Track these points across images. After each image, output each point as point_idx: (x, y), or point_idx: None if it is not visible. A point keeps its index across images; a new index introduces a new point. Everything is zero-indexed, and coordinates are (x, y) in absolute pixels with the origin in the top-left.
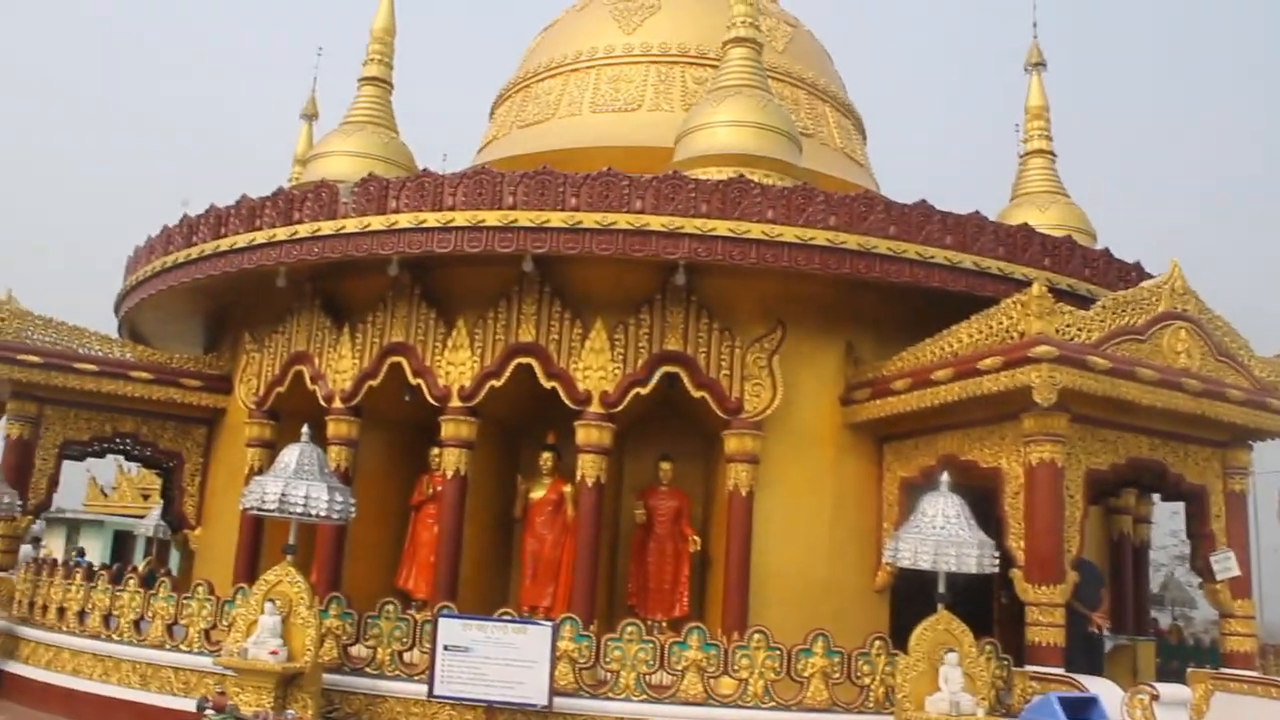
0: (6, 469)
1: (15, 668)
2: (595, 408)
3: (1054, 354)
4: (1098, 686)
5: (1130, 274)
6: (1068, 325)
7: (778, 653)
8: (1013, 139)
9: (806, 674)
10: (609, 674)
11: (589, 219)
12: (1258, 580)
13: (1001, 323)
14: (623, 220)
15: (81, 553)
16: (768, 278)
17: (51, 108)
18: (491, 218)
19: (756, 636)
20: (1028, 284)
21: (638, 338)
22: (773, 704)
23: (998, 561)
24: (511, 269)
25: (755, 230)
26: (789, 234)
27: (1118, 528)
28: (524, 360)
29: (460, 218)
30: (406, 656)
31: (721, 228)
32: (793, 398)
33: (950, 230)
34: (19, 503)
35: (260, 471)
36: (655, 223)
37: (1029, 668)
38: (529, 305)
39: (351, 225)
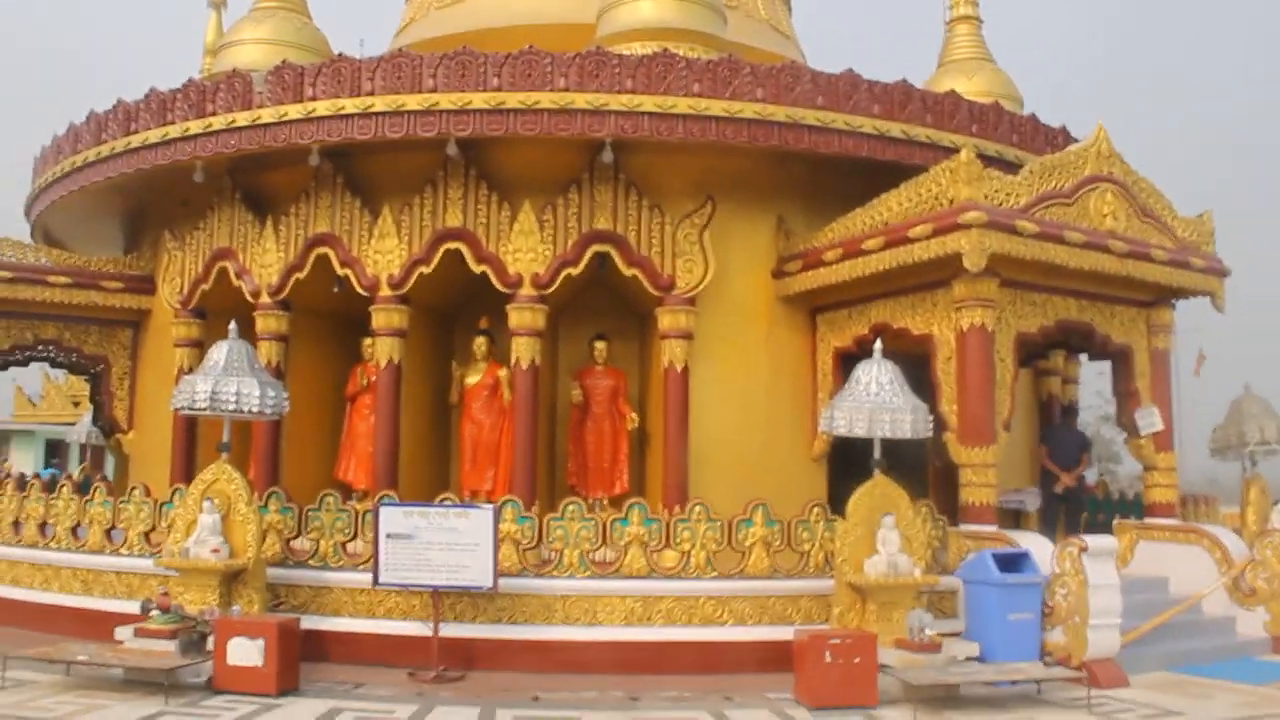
0: None
1: None
2: (527, 290)
3: (983, 219)
4: (1028, 541)
5: (1057, 139)
6: (996, 191)
7: (718, 524)
8: (938, 4)
9: (747, 544)
10: (552, 553)
11: (512, 99)
12: (1179, 435)
13: (931, 190)
14: (546, 99)
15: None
16: (696, 153)
17: None
18: (412, 102)
19: (697, 509)
20: (956, 151)
21: (567, 218)
22: (715, 574)
23: (932, 426)
24: (435, 153)
25: (681, 105)
26: (716, 107)
27: (1046, 389)
28: (452, 246)
29: (380, 103)
30: (349, 547)
31: (647, 103)
32: (725, 272)
33: (878, 99)
34: None
35: (190, 371)
36: (580, 100)
37: (963, 527)
38: (455, 190)
39: (268, 115)
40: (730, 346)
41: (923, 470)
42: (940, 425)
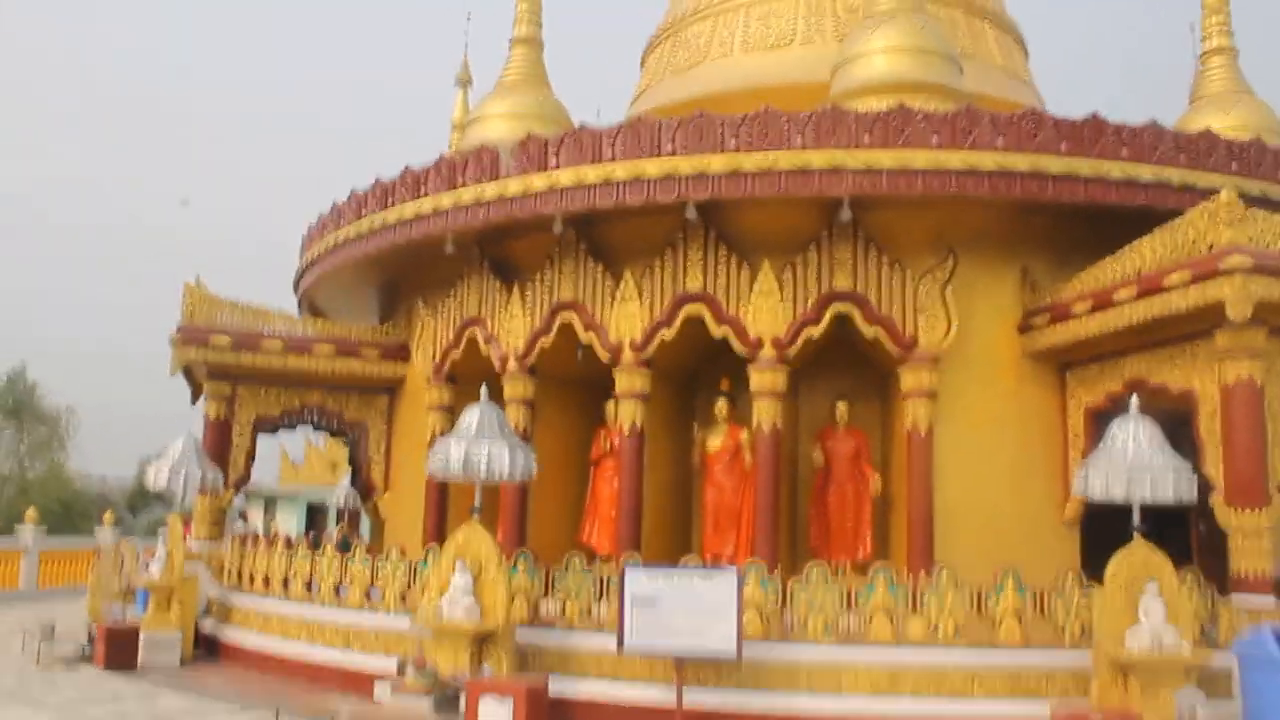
0: (208, 447)
1: (229, 633)
2: (767, 352)
3: (1248, 264)
4: None
5: None
6: (1262, 232)
7: (966, 592)
8: (1188, 41)
9: (998, 613)
10: (796, 620)
11: (749, 161)
12: None
13: (1188, 235)
14: (783, 159)
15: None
16: (936, 207)
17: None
18: (651, 167)
19: (944, 576)
20: (1214, 193)
21: (806, 278)
22: (964, 644)
23: (1195, 488)
24: (674, 217)
25: (919, 159)
26: (955, 160)
27: None
28: (693, 309)
29: (620, 170)
30: (594, 611)
31: (885, 159)
32: (968, 329)
33: (1125, 142)
34: (221, 478)
35: (442, 435)
36: (816, 159)
37: (1236, 598)
38: (694, 253)
39: (514, 187)
40: (975, 405)
41: (1185, 536)
42: (1205, 487)
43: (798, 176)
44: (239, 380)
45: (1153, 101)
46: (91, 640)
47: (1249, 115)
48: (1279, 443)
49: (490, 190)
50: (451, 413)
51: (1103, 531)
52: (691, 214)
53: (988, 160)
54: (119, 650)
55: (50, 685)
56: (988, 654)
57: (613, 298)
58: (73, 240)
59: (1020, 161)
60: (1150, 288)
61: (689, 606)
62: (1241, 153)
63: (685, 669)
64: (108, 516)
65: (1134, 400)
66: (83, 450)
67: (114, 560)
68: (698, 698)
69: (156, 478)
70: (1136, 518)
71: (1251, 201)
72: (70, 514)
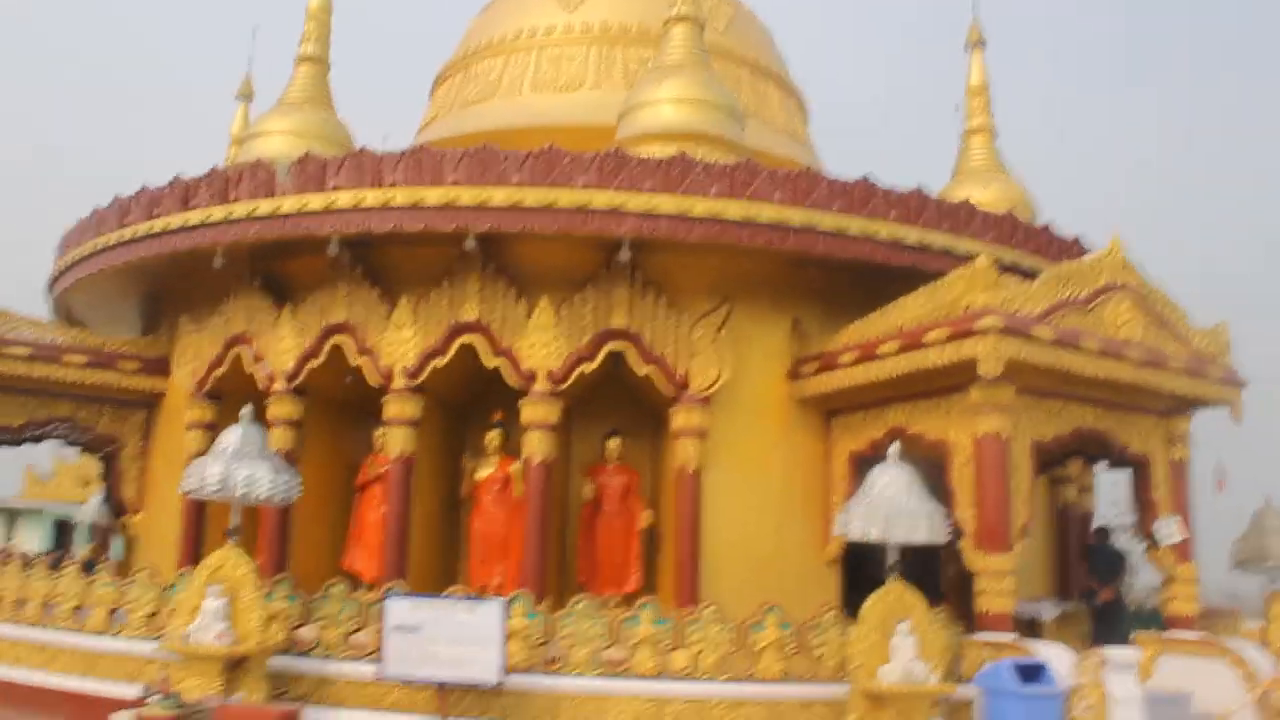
0: None
1: None
2: (541, 385)
3: (999, 325)
4: (1047, 651)
5: (1072, 248)
6: (1012, 297)
7: (730, 626)
8: (953, 116)
9: (759, 647)
10: (561, 651)
11: (531, 196)
12: (1199, 546)
13: (947, 296)
14: (565, 197)
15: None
16: (713, 254)
17: None
18: (432, 196)
19: (708, 610)
20: (971, 259)
21: (583, 314)
22: (726, 677)
23: (948, 531)
24: (454, 247)
25: (699, 206)
26: (733, 210)
27: (1062, 497)
28: (468, 339)
29: (400, 196)
30: (356, 638)
31: (665, 204)
32: (740, 373)
33: (894, 205)
34: None
35: (202, 454)
36: (598, 200)
37: (980, 635)
38: (472, 283)
39: (289, 204)
40: (744, 447)
41: (936, 577)
42: (956, 531)
43: (578, 215)
44: None
45: (919, 172)
46: None
47: (1004, 191)
48: (1020, 493)
49: (265, 206)
50: (214, 431)
51: (862, 571)
52: (471, 245)
53: (764, 212)
54: None
55: None
56: (749, 687)
57: (387, 323)
58: None
59: (795, 216)
60: (911, 343)
61: (453, 635)
62: (998, 224)
63: (448, 698)
64: None
65: (894, 447)
66: None
67: None
68: None
69: None
70: (892, 558)
71: (1004, 269)
72: None
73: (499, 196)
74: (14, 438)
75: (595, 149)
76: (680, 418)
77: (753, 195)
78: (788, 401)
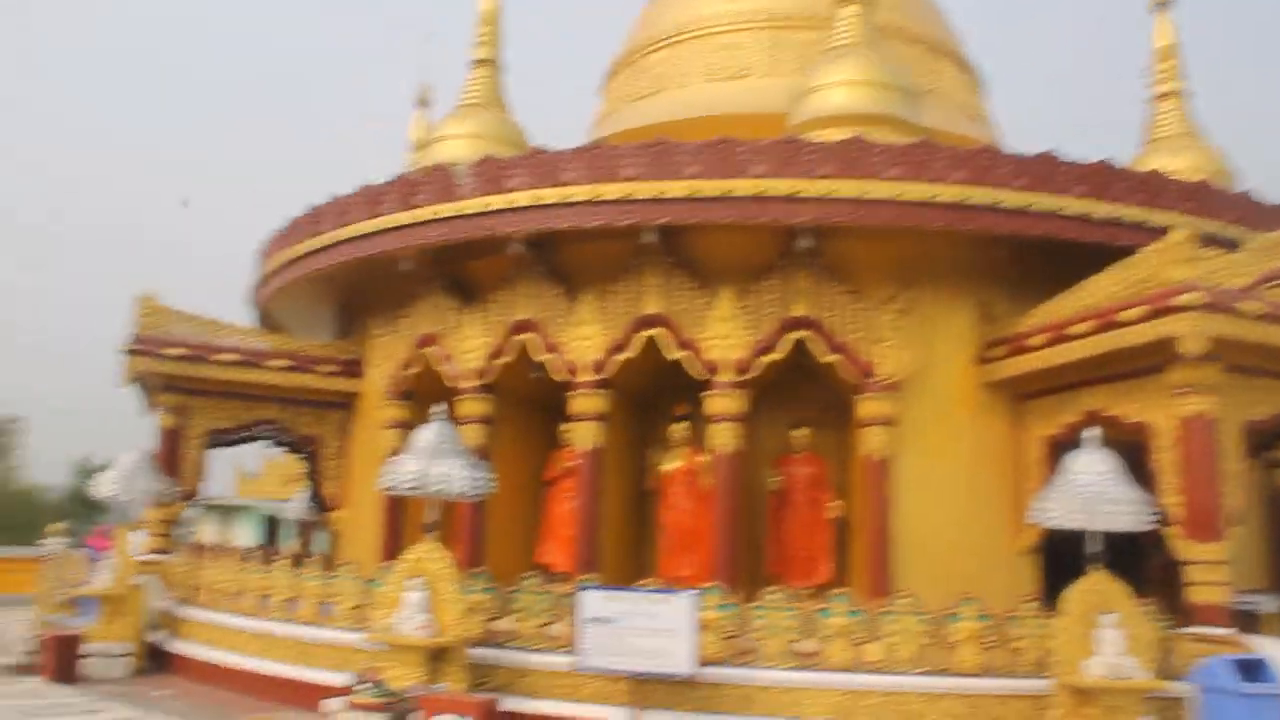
0: (161, 458)
1: (180, 646)
2: (725, 376)
3: (1201, 301)
4: (1267, 646)
5: (1278, 216)
6: (1214, 271)
7: (926, 618)
8: (1140, 82)
9: (956, 639)
10: (754, 643)
11: (707, 187)
12: None
13: (1142, 272)
14: (741, 187)
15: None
16: (894, 237)
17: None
18: (609, 191)
19: (902, 602)
20: (1166, 232)
21: (764, 304)
22: (923, 670)
23: (1153, 519)
24: (633, 241)
25: (878, 190)
26: (913, 192)
27: (1277, 481)
28: (651, 332)
29: (578, 193)
30: (550, 629)
31: (844, 189)
32: (926, 358)
33: (1080, 179)
34: (174, 489)
35: (397, 452)
36: (775, 187)
37: (1192, 629)
38: (653, 276)
39: (471, 206)
40: (932, 434)
41: (1140, 567)
42: (1161, 519)
43: (755, 204)
44: (192, 392)
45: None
46: (37, 651)
47: (1199, 158)
48: (1231, 476)
49: (447, 209)
50: (407, 429)
51: (1058, 560)
52: (649, 238)
53: (945, 192)
54: (65, 661)
55: None
56: (946, 680)
57: (570, 319)
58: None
59: (977, 195)
60: (1105, 322)
61: (646, 627)
62: (1193, 193)
63: (641, 690)
64: (54, 526)
65: (1092, 431)
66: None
67: (61, 570)
68: (656, 718)
69: (106, 488)
70: (1093, 547)
71: (1204, 241)
72: (11, 523)
73: (675, 189)
74: (225, 439)
75: (769, 137)
76: (866, 406)
77: (932, 176)
78: (976, 386)
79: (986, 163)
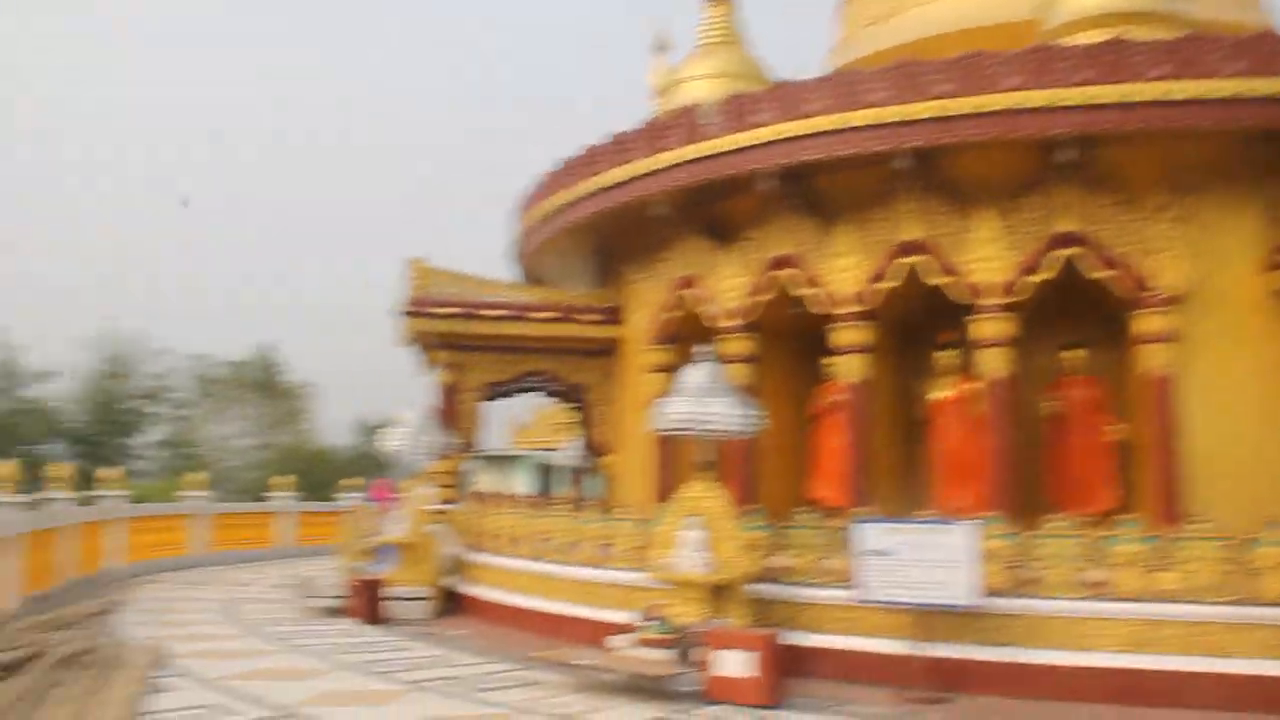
0: (441, 413)
1: (470, 589)
2: (991, 300)
3: None
4: None
5: None
6: None
7: (1225, 544)
8: None
9: (1259, 566)
10: (1037, 572)
11: (958, 105)
12: None
13: None
14: (995, 101)
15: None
16: (1166, 141)
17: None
18: (856, 118)
19: (1199, 527)
20: None
21: (1028, 222)
22: (1223, 599)
23: None
24: (885, 167)
25: (1144, 92)
26: (1183, 90)
27: None
28: (911, 259)
29: (825, 123)
30: (827, 564)
31: (1105, 94)
32: (1209, 268)
33: None
34: (455, 442)
35: (663, 395)
36: (1031, 99)
37: None
38: (909, 202)
39: (719, 145)
40: (1218, 348)
41: None
42: None
43: (1011, 118)
44: (465, 349)
45: None
46: (344, 595)
47: None
48: None
49: (695, 150)
50: (671, 373)
51: None
52: (902, 163)
53: (1220, 88)
54: (369, 604)
55: (312, 635)
56: (1248, 610)
57: (827, 251)
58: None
59: (1258, 86)
60: None
61: (925, 559)
62: None
63: (922, 622)
64: (350, 482)
65: None
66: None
67: (360, 521)
68: (936, 651)
69: (393, 443)
70: None
71: None
72: (311, 480)
73: (925, 109)
74: (499, 391)
75: (1020, 47)
76: (1144, 322)
77: (1203, 71)
78: (1265, 294)
79: (1268, 51)
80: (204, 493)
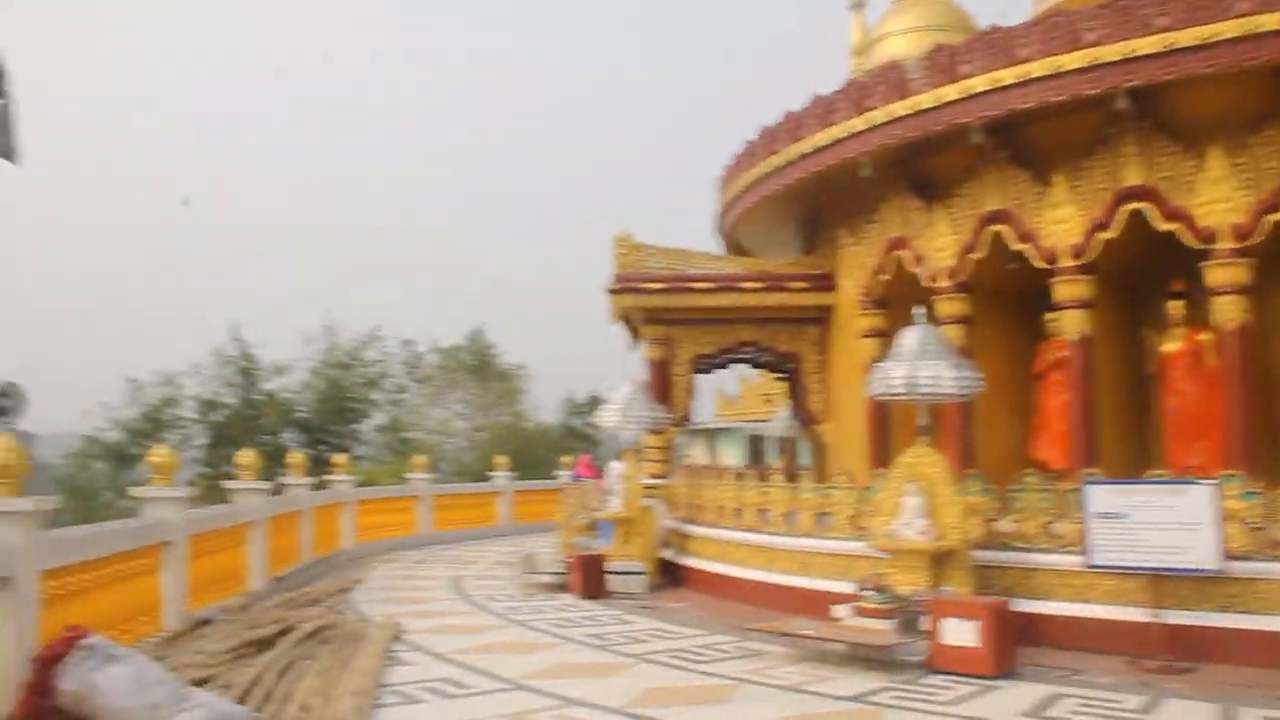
0: (651, 388)
1: (687, 560)
2: (1225, 244)
3: None
4: None
5: None
6: None
7: None
8: None
9: None
10: None
11: (1185, 37)
12: None
13: None
14: (1227, 29)
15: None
16: None
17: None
18: (1071, 60)
19: None
20: None
21: (1264, 158)
22: None
23: None
24: (1102, 111)
25: None
26: None
27: None
28: (1134, 206)
29: (1037, 68)
30: (1054, 528)
31: None
32: None
33: None
34: (667, 416)
35: (877, 360)
36: (1267, 23)
37: None
38: (1130, 146)
39: (925, 100)
40: None
41: None
42: None
43: (1245, 45)
44: (673, 323)
45: None
46: (565, 570)
47: None
48: None
49: (901, 107)
50: (884, 337)
51: None
52: (1122, 104)
53: None
54: (589, 579)
55: (536, 610)
56: None
57: (1043, 203)
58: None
59: None
60: None
61: (1159, 522)
62: None
63: (1159, 588)
64: (566, 460)
65: None
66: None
67: (578, 498)
68: (1177, 618)
69: (607, 419)
70: None
71: None
72: (526, 459)
73: (1147, 45)
74: (708, 364)
75: None
76: None
77: None
78: None
79: None
80: (427, 474)
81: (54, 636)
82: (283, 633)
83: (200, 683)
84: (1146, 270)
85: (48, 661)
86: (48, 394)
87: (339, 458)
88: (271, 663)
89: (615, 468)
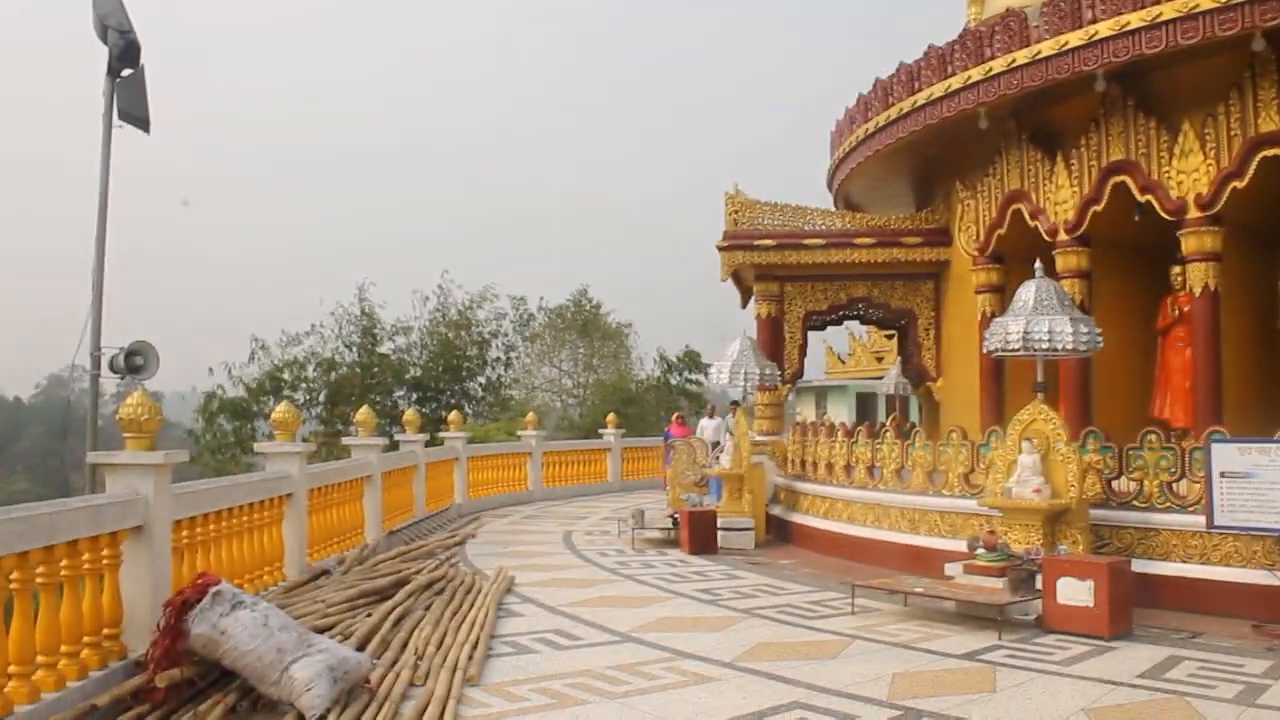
0: (762, 345)
1: (796, 517)
2: None
3: None
4: None
5: None
6: None
7: None
8: None
9: None
10: None
11: None
12: None
13: None
14: None
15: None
16: None
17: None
18: (1205, 0)
19: None
20: None
21: None
22: None
23: None
24: (1238, 54)
25: None
26: None
27: None
28: (1271, 152)
29: (1168, 10)
30: (1175, 488)
31: None
32: None
33: None
34: (778, 373)
35: (993, 316)
36: None
37: None
38: (1267, 89)
39: (1047, 48)
40: None
41: None
42: None
43: None
44: (785, 279)
45: None
46: (674, 526)
47: None
48: None
49: (1022, 55)
50: (1000, 293)
51: None
52: (1259, 45)
53: None
54: (699, 534)
55: (645, 565)
56: None
57: (1171, 153)
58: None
59: None
60: None
61: None
62: None
63: None
64: (677, 416)
65: None
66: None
67: (688, 454)
68: None
69: (719, 377)
70: None
71: None
72: (632, 416)
73: None
74: (820, 321)
75: None
76: None
77: None
78: None
79: None
80: (537, 431)
81: (186, 583)
82: (398, 584)
83: (320, 630)
84: (1278, 222)
85: (180, 606)
86: (179, 350)
87: (453, 415)
88: (388, 612)
89: (706, 425)
